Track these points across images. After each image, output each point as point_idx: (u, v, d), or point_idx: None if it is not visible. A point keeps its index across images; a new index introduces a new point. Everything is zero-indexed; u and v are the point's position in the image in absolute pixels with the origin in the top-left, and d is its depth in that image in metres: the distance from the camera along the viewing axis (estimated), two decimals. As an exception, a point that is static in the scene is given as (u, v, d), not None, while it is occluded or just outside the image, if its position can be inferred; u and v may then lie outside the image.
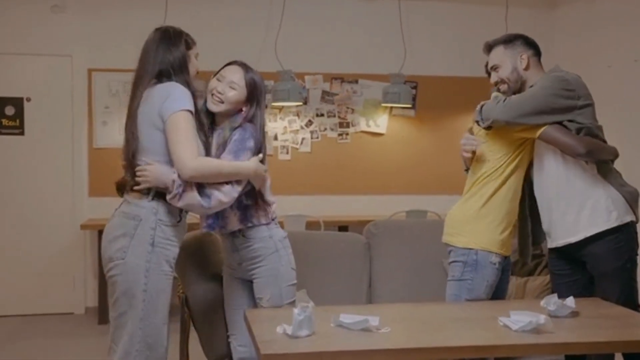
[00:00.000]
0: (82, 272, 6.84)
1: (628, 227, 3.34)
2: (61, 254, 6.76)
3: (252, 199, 3.24)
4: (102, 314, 6.26)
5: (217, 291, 3.53)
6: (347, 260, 4.16)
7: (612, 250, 3.30)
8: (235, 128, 3.20)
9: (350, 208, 7.15)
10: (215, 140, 3.23)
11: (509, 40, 3.47)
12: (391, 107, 7.24)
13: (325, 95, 7.18)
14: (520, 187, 3.46)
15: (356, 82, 7.22)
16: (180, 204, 3.00)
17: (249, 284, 3.36)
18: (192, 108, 3.00)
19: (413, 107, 7.28)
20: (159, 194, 3.00)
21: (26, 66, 6.75)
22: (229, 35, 6.96)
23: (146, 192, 3.00)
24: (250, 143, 3.17)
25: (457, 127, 7.32)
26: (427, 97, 7.31)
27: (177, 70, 3.07)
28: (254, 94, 3.25)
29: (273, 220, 3.32)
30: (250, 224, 3.24)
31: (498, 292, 3.50)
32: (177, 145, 2.93)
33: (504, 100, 3.30)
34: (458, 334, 2.81)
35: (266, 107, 3.61)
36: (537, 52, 3.48)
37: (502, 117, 3.27)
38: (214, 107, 3.23)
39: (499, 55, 3.46)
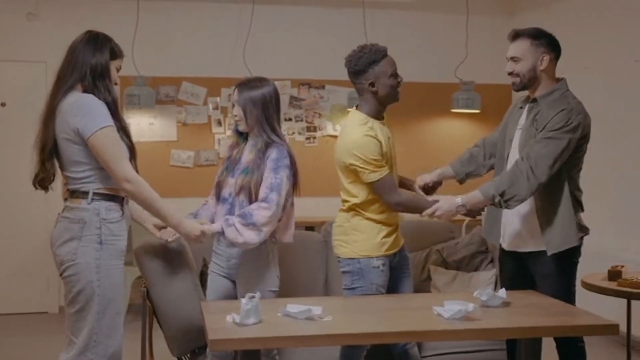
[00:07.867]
0: (56, 272, 6.86)
1: None
2: (35, 254, 6.85)
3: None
4: (75, 313, 6.39)
5: (182, 289, 3.72)
6: (305, 258, 4.37)
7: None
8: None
9: (318, 209, 7.28)
10: None
11: (538, 36, 3.43)
12: (357, 112, 7.43)
13: (293, 101, 7.35)
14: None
15: (323, 87, 7.39)
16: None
17: (233, 283, 3.56)
18: (110, 122, 3.07)
19: (378, 112, 7.47)
20: (97, 194, 3.12)
21: (1, 72, 6.89)
22: (198, 41, 7.13)
23: (85, 195, 3.12)
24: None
25: (421, 132, 7.52)
26: (392, 102, 7.48)
27: (97, 75, 3.13)
28: None
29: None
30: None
31: (400, 287, 3.61)
32: (113, 164, 3.03)
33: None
34: (393, 322, 3.02)
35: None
36: (558, 55, 3.46)
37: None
38: None
39: (523, 49, 3.41)
